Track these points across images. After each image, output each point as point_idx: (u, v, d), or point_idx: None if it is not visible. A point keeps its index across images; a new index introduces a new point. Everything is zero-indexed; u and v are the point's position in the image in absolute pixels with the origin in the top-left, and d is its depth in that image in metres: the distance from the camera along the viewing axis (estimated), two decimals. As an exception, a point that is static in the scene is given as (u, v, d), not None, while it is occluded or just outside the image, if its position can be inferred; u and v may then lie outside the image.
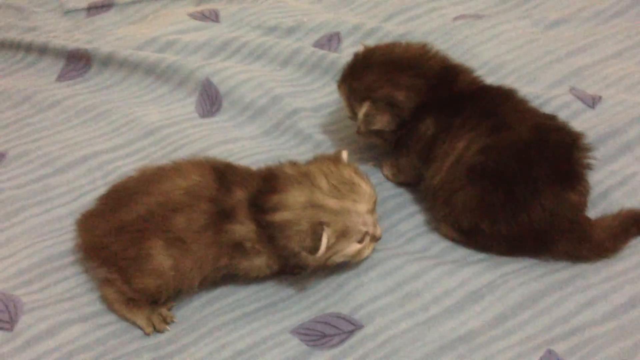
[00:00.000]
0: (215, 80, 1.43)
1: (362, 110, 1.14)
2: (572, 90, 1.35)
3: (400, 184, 1.23)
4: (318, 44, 1.54)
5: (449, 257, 1.08)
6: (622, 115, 1.26)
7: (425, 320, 0.99)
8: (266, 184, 1.01)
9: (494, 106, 1.10)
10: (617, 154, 1.21)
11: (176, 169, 1.04)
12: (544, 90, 1.35)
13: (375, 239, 1.04)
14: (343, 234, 0.98)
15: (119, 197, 1.02)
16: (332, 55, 1.46)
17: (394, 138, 1.17)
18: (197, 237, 0.98)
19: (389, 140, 1.18)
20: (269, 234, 0.98)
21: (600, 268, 1.03)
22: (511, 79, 1.40)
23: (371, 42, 1.50)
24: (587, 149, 1.07)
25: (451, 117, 1.10)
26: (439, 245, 1.11)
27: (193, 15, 1.65)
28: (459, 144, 1.07)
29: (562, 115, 1.23)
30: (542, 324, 0.97)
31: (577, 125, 1.15)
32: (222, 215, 0.99)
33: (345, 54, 1.49)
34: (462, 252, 1.09)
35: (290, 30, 1.58)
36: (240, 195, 1.01)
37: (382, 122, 1.14)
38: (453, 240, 1.11)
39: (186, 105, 1.43)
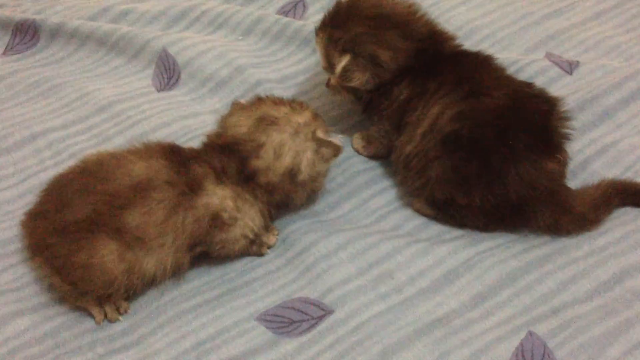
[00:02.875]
0: (172, 51, 1.34)
1: (342, 63, 1.06)
2: (549, 55, 1.29)
3: (370, 157, 1.16)
4: (282, 11, 1.46)
5: (423, 234, 1.02)
6: (601, 80, 1.21)
7: (399, 302, 0.93)
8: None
9: (470, 72, 1.03)
10: (597, 122, 1.15)
11: (119, 158, 0.94)
12: (520, 56, 1.28)
13: None
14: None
15: (62, 193, 0.92)
16: (297, 23, 1.38)
17: (366, 99, 1.10)
18: (159, 230, 0.90)
19: (359, 100, 1.11)
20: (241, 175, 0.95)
21: (582, 242, 0.98)
22: (486, 44, 1.33)
23: (339, 8, 1.42)
24: (565, 117, 1.02)
25: (426, 81, 1.03)
26: (413, 222, 1.05)
27: (147, -17, 1.55)
28: (433, 109, 1.00)
29: (539, 82, 1.18)
30: (522, 304, 0.92)
31: (554, 91, 1.10)
32: (188, 194, 0.92)
33: (311, 22, 1.40)
34: (437, 228, 1.03)
35: (253, -3, 1.50)
36: (201, 167, 0.94)
37: (360, 79, 1.06)
38: (427, 215, 1.05)
39: (142, 78, 1.34)
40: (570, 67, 1.25)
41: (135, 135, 1.20)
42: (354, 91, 1.09)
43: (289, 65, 1.33)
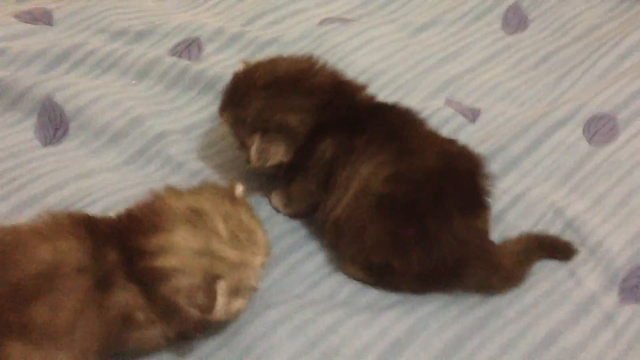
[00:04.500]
0: (58, 99, 1.20)
1: (254, 145, 1.01)
2: (449, 102, 1.32)
3: (291, 216, 1.11)
4: (176, 52, 1.37)
5: (360, 301, 0.99)
6: (504, 129, 1.25)
7: (349, 381, 0.89)
8: (144, 221, 0.83)
9: (395, 128, 1.02)
10: (505, 171, 1.19)
11: (19, 239, 0.80)
12: (423, 103, 1.30)
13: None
14: (235, 291, 0.84)
15: None
16: (197, 67, 1.30)
17: (289, 164, 1.05)
18: (70, 326, 0.77)
19: (285, 168, 1.06)
20: (148, 285, 0.82)
21: (512, 301, 1.00)
22: (389, 89, 1.34)
23: (236, 49, 1.38)
24: (487, 175, 1.04)
25: (352, 138, 1.01)
26: (347, 287, 1.01)
27: (20, 17, 1.38)
28: (363, 170, 0.98)
29: (446, 131, 1.20)
30: (469, 373, 0.92)
31: (462, 140, 1.11)
32: (100, 287, 0.80)
33: (210, 63, 1.33)
34: (373, 294, 1.00)
35: (142, 35, 1.38)
36: (114, 253, 0.82)
37: (277, 154, 1.01)
38: (361, 281, 1.02)
39: (22, 130, 1.18)
40: (472, 115, 1.29)
41: (24, 200, 1.06)
42: (277, 164, 1.04)
43: (192, 114, 1.25)
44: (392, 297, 1.00)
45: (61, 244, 0.80)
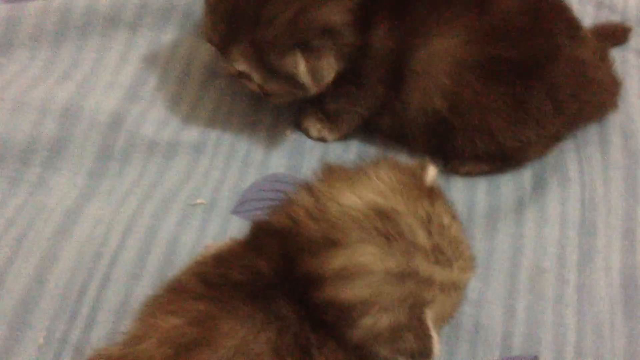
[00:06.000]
0: None
1: (299, 66, 0.71)
2: None
3: (338, 139, 0.85)
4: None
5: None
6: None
7: None
8: (310, 234, 0.55)
9: None
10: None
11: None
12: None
13: None
14: (443, 322, 0.60)
15: None
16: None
17: (339, 74, 0.77)
18: None
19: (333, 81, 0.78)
20: (323, 327, 0.56)
21: None
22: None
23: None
24: None
25: (408, 11, 0.75)
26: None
27: None
28: (443, 43, 0.75)
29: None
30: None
31: None
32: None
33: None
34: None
35: None
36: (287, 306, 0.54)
37: (331, 65, 0.73)
38: (480, 173, 0.82)
39: None
40: None
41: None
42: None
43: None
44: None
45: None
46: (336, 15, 0.72)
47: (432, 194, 0.59)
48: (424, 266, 0.55)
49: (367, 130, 0.85)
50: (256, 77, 0.75)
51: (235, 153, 0.82)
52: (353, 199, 0.56)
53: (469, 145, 0.78)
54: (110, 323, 0.66)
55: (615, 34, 0.95)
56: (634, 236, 0.77)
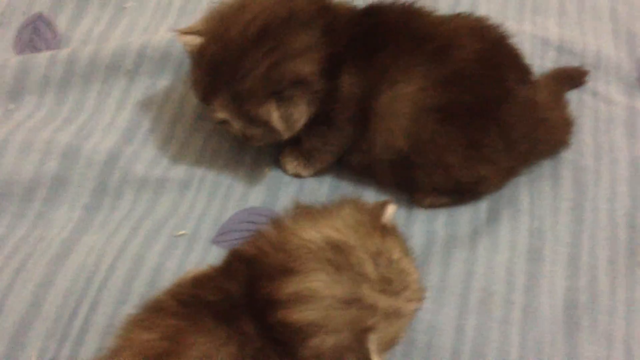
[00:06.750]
0: None
1: (273, 115, 0.80)
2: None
3: (312, 175, 0.93)
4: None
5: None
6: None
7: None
8: (270, 262, 0.64)
9: (411, 29, 0.84)
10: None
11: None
12: None
13: None
14: (386, 348, 0.66)
15: None
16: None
17: (311, 118, 0.86)
18: None
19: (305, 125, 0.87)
20: (279, 344, 0.63)
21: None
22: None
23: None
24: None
25: (372, 59, 0.83)
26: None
27: None
28: (404, 88, 0.81)
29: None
30: None
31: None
32: None
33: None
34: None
35: None
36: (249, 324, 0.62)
37: (303, 112, 0.82)
38: (441, 206, 0.90)
39: None
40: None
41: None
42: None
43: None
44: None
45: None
46: (306, 67, 0.80)
47: (385, 231, 0.66)
48: (369, 294, 0.62)
49: (340, 166, 0.92)
50: (236, 124, 0.84)
51: (218, 188, 0.91)
52: (312, 233, 0.64)
53: (428, 180, 0.86)
54: (96, 343, 0.75)
55: (574, 77, 1.02)
56: (579, 262, 0.84)
